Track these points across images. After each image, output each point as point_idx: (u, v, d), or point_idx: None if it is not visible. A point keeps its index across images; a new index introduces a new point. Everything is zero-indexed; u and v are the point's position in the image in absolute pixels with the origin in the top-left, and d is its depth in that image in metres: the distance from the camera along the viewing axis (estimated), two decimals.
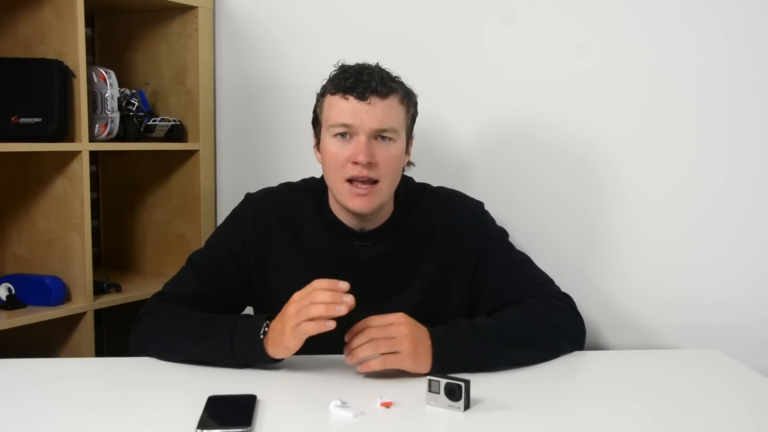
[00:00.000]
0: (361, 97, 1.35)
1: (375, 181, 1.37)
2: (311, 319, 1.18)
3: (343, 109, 1.36)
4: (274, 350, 1.24)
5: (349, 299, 1.18)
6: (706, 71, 1.55)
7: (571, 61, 1.66)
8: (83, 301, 1.82)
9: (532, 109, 1.71)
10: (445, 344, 1.26)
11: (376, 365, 1.23)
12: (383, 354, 1.23)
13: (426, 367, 1.25)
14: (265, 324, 1.26)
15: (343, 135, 1.37)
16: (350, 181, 1.37)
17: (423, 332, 1.26)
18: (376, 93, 1.35)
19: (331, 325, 1.18)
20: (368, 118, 1.35)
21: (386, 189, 1.39)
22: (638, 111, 1.61)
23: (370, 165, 1.35)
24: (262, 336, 1.25)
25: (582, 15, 1.65)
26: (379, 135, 1.36)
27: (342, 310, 1.18)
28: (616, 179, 1.64)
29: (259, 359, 1.27)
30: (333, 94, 1.38)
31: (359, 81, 1.35)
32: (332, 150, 1.38)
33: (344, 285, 1.20)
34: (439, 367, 1.24)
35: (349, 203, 1.38)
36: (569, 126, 1.68)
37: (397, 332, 1.24)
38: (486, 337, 1.29)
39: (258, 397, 1.15)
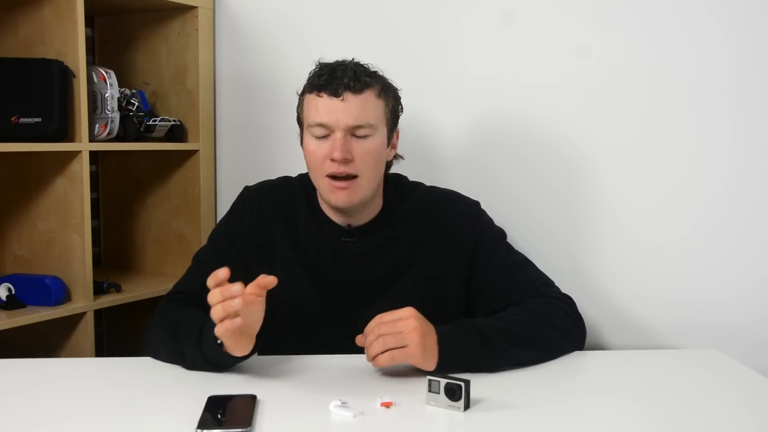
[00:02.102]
0: (335, 94, 1.36)
1: (355, 176, 1.38)
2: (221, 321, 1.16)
3: (318, 107, 1.37)
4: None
5: (236, 288, 1.14)
6: (705, 71, 1.55)
7: (569, 60, 1.66)
8: (83, 301, 1.82)
9: (531, 108, 1.71)
10: (450, 343, 1.26)
11: (384, 361, 1.22)
12: (391, 349, 1.22)
13: (432, 363, 1.24)
14: None
15: (321, 134, 1.38)
16: (332, 177, 1.38)
17: (431, 328, 1.26)
18: (349, 89, 1.36)
19: (237, 321, 1.14)
20: (342, 115, 1.36)
21: (366, 183, 1.39)
22: (637, 110, 1.61)
23: (346, 161, 1.36)
24: (219, 342, 1.22)
25: (580, 14, 1.64)
26: (355, 131, 1.37)
27: (236, 304, 1.13)
28: (616, 179, 1.64)
29: (226, 360, 1.24)
30: (309, 92, 1.40)
31: (332, 78, 1.37)
32: (311, 148, 1.40)
33: (222, 273, 1.15)
34: (443, 365, 1.24)
35: (331, 198, 1.40)
36: (567, 125, 1.68)
37: (405, 326, 1.23)
38: (489, 337, 1.29)
39: (258, 397, 1.15)
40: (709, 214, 1.57)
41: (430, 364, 1.24)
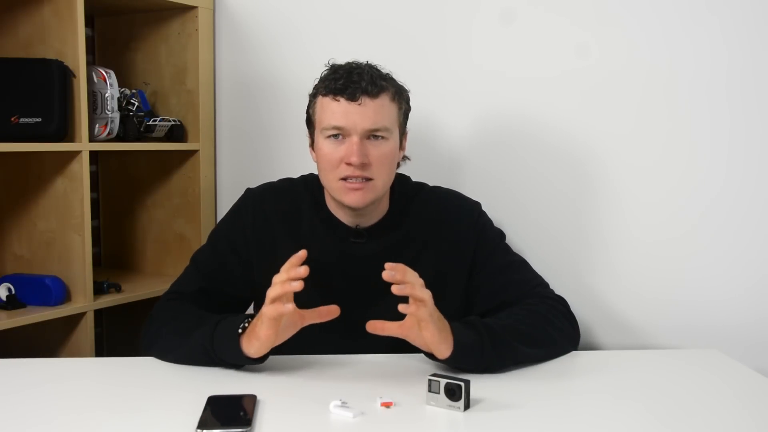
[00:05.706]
0: (352, 98, 1.36)
1: (369, 179, 1.38)
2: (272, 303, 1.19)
3: (334, 110, 1.37)
4: (248, 344, 1.24)
5: (302, 270, 1.17)
6: (704, 71, 1.54)
7: (568, 60, 1.66)
8: (83, 301, 1.82)
9: (530, 109, 1.71)
10: (462, 334, 1.25)
11: (412, 309, 1.19)
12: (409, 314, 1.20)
13: (447, 347, 1.23)
14: (246, 320, 1.26)
15: (336, 136, 1.38)
16: (344, 178, 1.38)
17: (445, 322, 1.25)
18: (366, 93, 1.36)
19: (289, 307, 1.17)
20: (360, 119, 1.36)
21: (380, 185, 1.40)
22: (636, 111, 1.61)
23: (363, 165, 1.36)
24: (240, 331, 1.25)
25: (579, 15, 1.64)
26: (371, 134, 1.37)
27: (295, 286, 1.17)
28: (615, 179, 1.64)
29: (234, 355, 1.26)
30: (324, 95, 1.39)
31: (349, 82, 1.36)
32: (326, 151, 1.39)
33: (302, 253, 1.20)
34: (455, 355, 1.23)
35: (344, 198, 1.40)
36: (565, 125, 1.68)
37: (427, 305, 1.21)
38: (496, 332, 1.30)
39: (258, 397, 1.15)
40: (707, 213, 1.56)
41: (445, 348, 1.23)
